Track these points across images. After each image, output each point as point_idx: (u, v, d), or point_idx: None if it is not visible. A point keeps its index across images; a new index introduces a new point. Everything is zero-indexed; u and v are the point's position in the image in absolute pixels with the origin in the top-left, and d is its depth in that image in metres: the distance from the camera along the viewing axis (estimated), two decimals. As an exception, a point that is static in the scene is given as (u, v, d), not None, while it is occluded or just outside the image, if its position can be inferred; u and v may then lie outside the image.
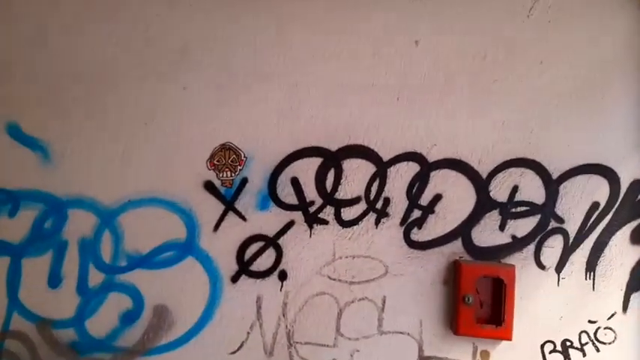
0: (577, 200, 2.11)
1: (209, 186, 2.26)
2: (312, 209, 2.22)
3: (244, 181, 2.25)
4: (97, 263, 2.29)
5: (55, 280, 2.30)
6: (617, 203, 2.09)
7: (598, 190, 2.10)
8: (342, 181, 2.22)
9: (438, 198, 2.17)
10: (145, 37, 2.33)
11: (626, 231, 2.08)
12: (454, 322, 2.07)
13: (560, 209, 2.11)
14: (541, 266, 2.11)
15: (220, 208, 2.25)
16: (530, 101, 2.14)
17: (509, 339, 2.02)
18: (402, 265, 2.17)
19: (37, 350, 2.29)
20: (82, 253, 2.30)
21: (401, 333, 2.16)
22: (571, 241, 2.11)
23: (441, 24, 2.19)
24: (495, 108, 2.16)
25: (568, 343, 2.07)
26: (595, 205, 2.10)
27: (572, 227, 2.11)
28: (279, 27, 2.25)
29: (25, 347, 2.29)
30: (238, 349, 2.21)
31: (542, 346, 2.09)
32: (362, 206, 2.20)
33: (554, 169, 2.12)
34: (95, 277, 2.29)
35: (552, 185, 2.11)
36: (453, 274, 2.12)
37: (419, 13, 2.19)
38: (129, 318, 2.27)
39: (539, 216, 2.12)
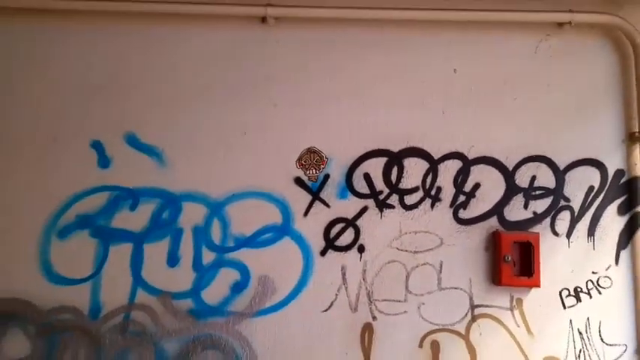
0: (578, 185, 2.84)
1: (298, 181, 2.85)
2: (381, 197, 2.85)
3: (326, 176, 2.86)
4: (208, 245, 2.81)
5: (173, 260, 2.79)
6: (607, 186, 2.84)
7: (592, 177, 2.85)
8: (403, 175, 2.87)
9: (477, 186, 2.86)
10: (239, 66, 2.94)
11: (614, 206, 2.83)
12: (497, 276, 2.73)
13: (566, 192, 2.84)
14: (555, 234, 2.82)
15: (308, 198, 2.84)
16: (542, 114, 2.89)
17: (538, 286, 2.69)
18: (453, 237, 2.82)
19: (159, 318, 2.75)
20: (196, 237, 2.81)
21: (455, 288, 2.79)
22: (576, 214, 2.83)
23: (472, 57, 2.94)
24: (516, 119, 2.89)
25: (578, 289, 2.77)
26: (591, 188, 2.85)
27: (576, 205, 2.83)
28: (347, 57, 2.94)
29: (149, 316, 2.75)
30: (329, 308, 2.77)
31: (560, 292, 2.77)
32: (420, 194, 2.86)
33: (561, 163, 2.85)
34: (208, 256, 2.80)
35: (560, 174, 2.85)
36: (493, 241, 2.80)
37: (456, 49, 2.94)
38: (238, 288, 2.78)
39: (551, 197, 2.84)
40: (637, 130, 2.84)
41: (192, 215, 2.82)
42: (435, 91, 2.92)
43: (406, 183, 2.86)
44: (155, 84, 2.92)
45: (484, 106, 2.91)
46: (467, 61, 2.94)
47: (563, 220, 2.83)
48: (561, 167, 2.85)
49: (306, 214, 2.82)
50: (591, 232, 2.81)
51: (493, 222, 2.83)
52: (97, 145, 2.87)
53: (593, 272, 2.78)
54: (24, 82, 2.91)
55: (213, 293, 2.77)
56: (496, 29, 2.95)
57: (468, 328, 2.74)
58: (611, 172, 2.85)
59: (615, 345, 2.72)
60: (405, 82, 2.92)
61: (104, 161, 2.86)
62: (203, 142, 2.88)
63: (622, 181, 2.85)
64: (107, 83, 2.90)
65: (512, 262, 2.71)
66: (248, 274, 2.78)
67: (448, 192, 2.85)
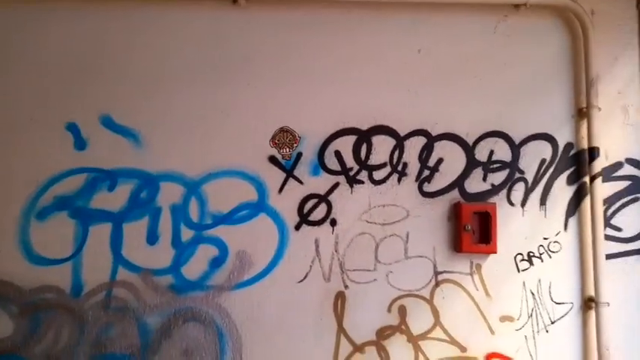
0: (532, 158, 3.06)
1: (273, 159, 2.98)
2: (351, 173, 3.01)
3: (299, 154, 2.99)
4: (187, 223, 2.92)
5: (152, 238, 2.90)
6: (557, 159, 3.08)
7: (545, 150, 3.08)
8: (372, 152, 3.02)
9: (440, 161, 3.05)
10: (213, 46, 3.02)
11: (563, 177, 3.07)
12: (458, 244, 2.95)
13: (521, 165, 3.06)
14: (511, 204, 3.05)
15: (282, 175, 2.98)
16: (499, 91, 3.08)
17: (495, 252, 2.93)
18: (418, 209, 3.01)
19: (141, 294, 2.87)
20: (174, 215, 2.91)
21: (420, 257, 3.00)
22: (529, 185, 3.06)
23: (435, 37, 3.09)
24: (476, 96, 3.07)
25: (531, 254, 3.02)
26: (543, 161, 3.07)
27: (529, 176, 3.05)
28: (318, 38, 3.04)
29: (130, 293, 2.86)
30: (304, 278, 2.94)
31: (514, 257, 3.02)
32: (387, 169, 3.03)
33: (517, 138, 3.06)
34: (186, 234, 2.91)
35: (516, 149, 3.06)
36: (454, 212, 3.01)
37: (420, 30, 3.08)
38: (217, 263, 2.91)
39: (508, 170, 3.05)
40: (584, 106, 3.07)
41: (169, 195, 2.92)
42: (400, 70, 3.07)
43: (375, 159, 3.02)
44: (131, 65, 2.99)
45: (447, 85, 3.07)
46: (430, 42, 3.09)
47: (518, 190, 3.05)
48: (517, 142, 3.06)
49: (280, 190, 2.96)
50: (543, 202, 3.05)
51: (455, 194, 3.04)
52: (72, 128, 2.92)
53: (544, 238, 3.03)
54: (2, 63, 2.92)
55: (193, 269, 2.90)
56: (458, 10, 3.10)
57: (432, 293, 2.97)
58: (561, 146, 3.08)
59: (563, 303, 3.00)
60: (372, 62, 3.06)
61: (80, 143, 2.91)
62: (179, 122, 2.96)
63: (571, 154, 3.08)
64: (84, 64, 2.95)
65: (472, 230, 2.94)
66: (226, 250, 2.92)
67: (414, 167, 3.03)
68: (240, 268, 2.91)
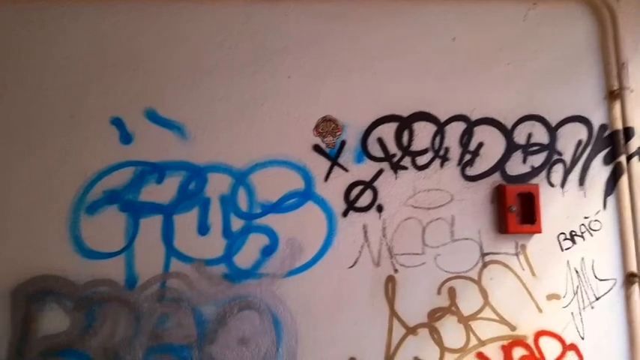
0: (568, 140, 3.14)
1: (317, 148, 3.02)
2: (394, 160, 3.06)
3: (343, 143, 3.04)
4: (236, 213, 2.93)
5: (203, 228, 2.91)
6: (593, 140, 3.16)
7: (580, 132, 3.16)
8: (413, 138, 3.08)
9: (480, 145, 3.11)
10: (251, 39, 3.08)
11: (599, 158, 3.15)
12: (503, 225, 3.00)
13: (558, 147, 3.14)
14: (551, 185, 3.11)
15: (327, 163, 3.02)
16: (532, 76, 3.17)
17: (540, 232, 2.99)
18: (462, 192, 3.07)
19: (194, 284, 2.87)
20: (223, 206, 2.93)
21: (466, 239, 3.04)
22: (568, 166, 3.13)
23: (469, 26, 3.18)
24: (511, 82, 3.15)
25: (573, 233, 3.08)
26: (579, 142, 3.15)
27: (567, 158, 3.13)
28: (357, 29, 3.12)
29: (184, 283, 2.86)
30: (354, 264, 2.96)
31: (557, 237, 3.08)
32: (430, 155, 3.08)
33: (553, 120, 3.14)
34: (236, 224, 2.93)
35: (552, 131, 3.14)
36: (497, 195, 3.07)
37: (454, 19, 3.17)
38: (268, 251, 2.92)
39: (546, 152, 3.13)
40: (616, 88, 3.16)
41: (217, 185, 2.94)
42: (436, 58, 3.15)
43: (417, 145, 3.08)
44: (171, 59, 3.02)
45: (482, 71, 3.15)
46: (464, 30, 3.18)
47: (557, 172, 3.12)
48: (553, 124, 3.14)
49: (326, 179, 3.00)
50: (582, 182, 3.13)
51: (496, 177, 3.10)
52: (117, 122, 2.94)
53: (585, 217, 3.10)
54: (38, 61, 2.95)
55: (245, 258, 2.91)
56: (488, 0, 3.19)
57: (479, 274, 3.01)
58: (596, 127, 3.16)
59: (606, 280, 3.06)
60: (409, 51, 3.13)
61: (126, 137, 2.93)
62: (222, 114, 3.00)
63: (605, 135, 3.17)
64: (122, 59, 2.98)
65: (516, 212, 2.99)
66: (276, 238, 2.94)
67: (455, 152, 3.09)
68: (291, 256, 2.93)
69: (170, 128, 2.97)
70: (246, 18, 3.09)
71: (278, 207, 2.95)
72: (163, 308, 2.81)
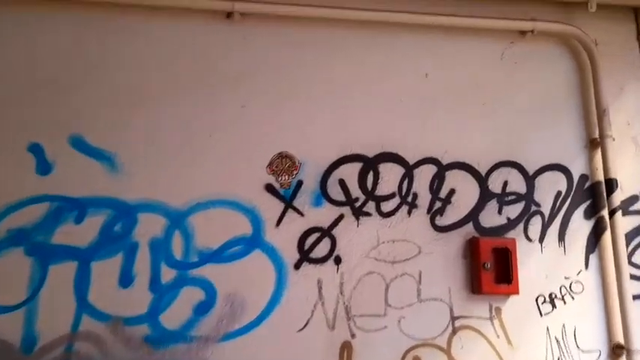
0: (547, 190, 2.86)
1: (270, 188, 2.64)
2: (357, 204, 2.70)
3: (300, 183, 2.67)
4: (168, 261, 2.48)
5: (126, 279, 2.44)
6: (572, 191, 2.89)
7: (559, 182, 2.89)
8: (379, 181, 2.74)
9: (452, 192, 2.79)
10: (203, 63, 2.72)
11: (580, 211, 2.88)
12: (476, 284, 2.65)
13: (536, 197, 2.85)
14: (529, 239, 2.80)
15: (281, 206, 2.63)
16: (509, 119, 2.91)
17: (517, 293, 2.64)
18: (431, 245, 2.72)
19: (109, 348, 2.37)
20: (154, 252, 2.48)
21: (435, 299, 2.67)
22: (546, 219, 2.84)
23: (443, 62, 2.92)
24: (485, 124, 2.89)
25: (553, 295, 2.75)
26: (559, 193, 2.88)
27: (546, 210, 2.84)
28: (319, 57, 2.80)
29: (96, 347, 2.36)
30: (305, 327, 2.53)
31: (536, 299, 2.74)
32: (396, 200, 2.74)
33: (530, 168, 2.87)
34: (167, 274, 2.47)
35: (530, 180, 2.86)
36: (471, 248, 2.73)
37: (427, 54, 2.91)
38: (202, 309, 2.47)
39: (523, 202, 2.83)
40: (597, 137, 2.93)
41: (149, 227, 2.50)
42: (407, 95, 2.86)
43: (382, 189, 2.73)
44: (110, 80, 2.65)
45: (455, 111, 2.88)
46: (437, 66, 2.92)
47: (535, 225, 2.83)
48: (530, 172, 2.87)
49: (278, 223, 2.60)
50: (562, 237, 2.83)
51: (469, 229, 2.77)
52: (35, 149, 2.49)
53: (565, 277, 2.79)
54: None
55: (174, 316, 2.45)
56: (464, 35, 2.96)
57: (449, 342, 2.62)
58: (576, 177, 2.91)
59: (590, 352, 2.72)
60: (377, 85, 2.84)
61: (44, 167, 2.49)
62: (163, 145, 2.61)
63: (586, 186, 2.91)
64: (55, 77, 2.58)
65: (491, 269, 2.65)
66: (214, 293, 2.50)
67: (424, 198, 2.76)
68: (231, 315, 2.49)
69: (98, 158, 2.54)
70: (199, 38, 2.74)
71: (219, 255, 2.53)
72: (67, 378, 2.29)
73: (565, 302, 2.76)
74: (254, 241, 2.56)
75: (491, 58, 2.99)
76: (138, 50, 2.67)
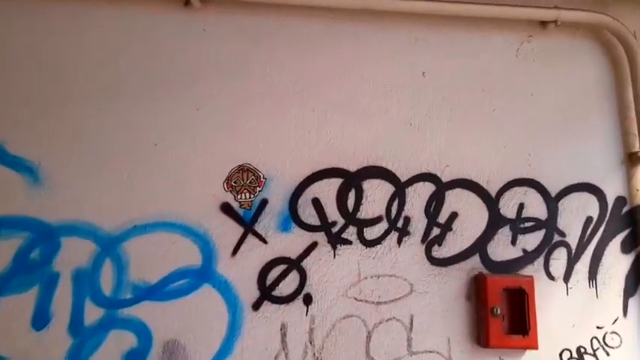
0: (574, 215, 2.32)
1: (226, 208, 2.16)
2: (334, 229, 2.20)
3: (264, 202, 2.18)
4: (95, 297, 2.03)
5: (41, 320, 1.99)
6: (607, 217, 2.33)
7: (590, 206, 2.34)
8: (362, 201, 2.24)
9: (454, 216, 2.27)
10: (152, 58, 2.27)
11: (616, 242, 2.32)
12: (483, 335, 2.10)
13: (561, 224, 2.31)
14: (551, 277, 2.25)
15: (239, 230, 2.15)
16: (526, 128, 2.39)
17: (536, 348, 2.09)
18: (426, 282, 2.20)
19: (14, 407, 1.90)
20: (77, 286, 2.03)
21: (430, 352, 2.13)
22: (573, 252, 2.29)
23: (444, 59, 2.41)
24: (497, 133, 2.37)
25: (582, 350, 2.19)
26: (589, 220, 2.32)
27: (572, 240, 2.30)
28: (291, 52, 2.33)
29: (-3, 405, 1.90)
30: (263, 385, 2.02)
31: (560, 355, 2.18)
32: (384, 225, 2.23)
33: (552, 188, 2.34)
34: (93, 314, 2.02)
35: (552, 202, 2.32)
36: (476, 288, 2.18)
37: (425, 48, 2.40)
38: (134, 358, 1.99)
39: (544, 230, 2.29)
40: (637, 150, 2.37)
41: (74, 255, 2.07)
42: (400, 97, 2.37)
43: (366, 212, 2.24)
44: (37, 76, 2.23)
45: (459, 118, 2.38)
46: (437, 63, 2.42)
47: (559, 259, 2.28)
48: (553, 193, 2.34)
49: (234, 252, 2.13)
50: (593, 275, 2.27)
51: (475, 262, 2.24)
52: (-63, 157, 2.07)
53: (598, 327, 2.23)
54: None
55: (98, 367, 1.96)
56: (471, 26, 2.47)
57: (447, 409, 2.07)
58: (610, 200, 2.36)
59: (630, 421, 2.12)
60: (363, 85, 2.36)
61: (-54, 179, 2.05)
62: (96, 154, 2.15)
63: (624, 211, 2.35)
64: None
65: (502, 316, 2.09)
66: (149, 338, 2.03)
67: (419, 223, 2.25)
68: (169, 367, 1.99)
69: (17, 169, 2.11)
70: (149, 28, 2.30)
71: (158, 291, 2.06)
72: None
73: (597, 359, 2.18)
74: (203, 274, 2.09)
75: (504, 54, 2.48)
76: (72, 40, 2.25)
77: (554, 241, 2.29)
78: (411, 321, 2.15)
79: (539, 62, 2.48)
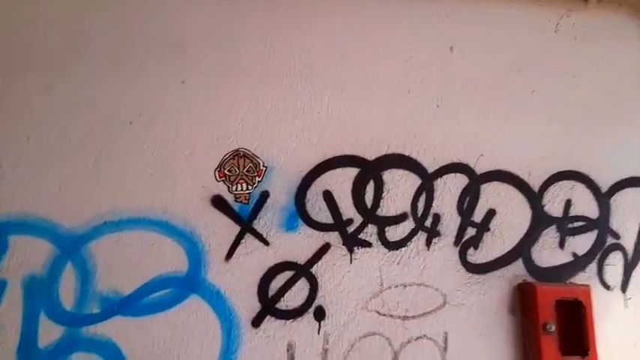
0: (629, 214, 2.03)
1: (218, 202, 1.80)
2: (350, 229, 1.86)
3: (264, 195, 1.81)
4: (52, 312, 1.66)
5: (-21, 340, 1.56)
6: (668, 216, 2.02)
7: (646, 203, 2.02)
8: (383, 195, 1.89)
9: (491, 213, 1.93)
10: (129, 23, 1.89)
11: (680, 245, 2.00)
12: (534, 356, 1.75)
13: (614, 224, 2.00)
14: (606, 286, 1.93)
15: (234, 229, 1.81)
16: (569, 113, 2.11)
17: (598, 371, 1.73)
18: (462, 292, 1.86)
19: None
20: (29, 297, 1.67)
21: (469, 378, 1.76)
22: (630, 257, 1.97)
23: (475, 35, 2.09)
24: (536, 118, 2.07)
25: (648, 373, 1.84)
26: (647, 219, 2.01)
27: (628, 243, 2.00)
28: (296, 18, 1.98)
29: None
30: (265, 421, 1.62)
31: (622, 379, 1.83)
32: (409, 224, 1.90)
33: (603, 182, 2.05)
34: (49, 332, 1.66)
35: (603, 199, 2.02)
36: (521, 299, 1.82)
37: (454, 23, 2.07)
38: (100, 389, 1.58)
39: (595, 231, 1.98)
40: (697, 139, 2.06)
41: (25, 258, 1.70)
42: (425, 75, 2.05)
43: (388, 208, 1.90)
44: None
45: (493, 100, 2.09)
46: (468, 40, 2.10)
47: (614, 265, 1.96)
48: (603, 189, 2.06)
49: (229, 256, 1.80)
50: (655, 284, 1.93)
51: (518, 268, 1.92)
52: None
53: (664, 345, 1.87)
54: None
55: (53, 401, 1.55)
56: (505, 1, 2.12)
57: None
58: (671, 197, 2.03)
59: None
60: (383, 59, 2.03)
61: None
62: (54, 134, 1.77)
63: (688, 210, 2.02)
64: None
65: (555, 333, 1.73)
66: (120, 363, 1.60)
67: (450, 222, 1.92)
68: (146, 401, 1.57)
69: (-44, 152, 1.68)
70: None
71: (133, 304, 1.70)
72: None
73: (666, 384, 1.83)
74: (190, 283, 1.73)
75: (542, 31, 2.20)
76: (39, 9, 1.85)
77: (607, 243, 2.00)
78: (445, 340, 1.82)
79: (580, 40, 2.19)
